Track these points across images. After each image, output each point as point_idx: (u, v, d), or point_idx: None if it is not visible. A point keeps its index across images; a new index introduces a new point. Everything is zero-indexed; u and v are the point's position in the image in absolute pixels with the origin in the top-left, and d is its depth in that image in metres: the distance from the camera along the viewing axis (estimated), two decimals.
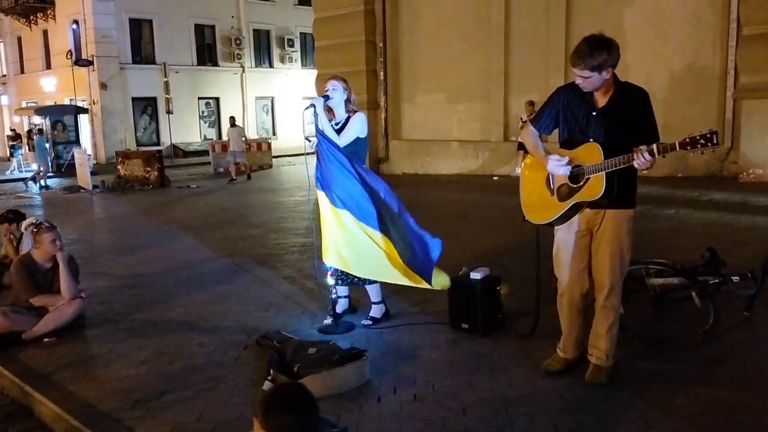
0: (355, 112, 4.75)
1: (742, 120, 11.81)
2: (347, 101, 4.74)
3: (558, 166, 3.45)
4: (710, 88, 12.52)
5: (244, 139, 18.57)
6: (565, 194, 3.51)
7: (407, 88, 17.09)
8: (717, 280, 4.36)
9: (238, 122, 20.04)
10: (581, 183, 3.40)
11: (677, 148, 3.09)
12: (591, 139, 3.38)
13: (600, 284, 3.55)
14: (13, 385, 4.18)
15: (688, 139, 3.06)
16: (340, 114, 4.76)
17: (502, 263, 5.59)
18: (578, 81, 3.37)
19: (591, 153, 3.35)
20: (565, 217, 3.55)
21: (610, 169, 3.27)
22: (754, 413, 3.24)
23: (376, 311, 4.87)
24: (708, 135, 3.03)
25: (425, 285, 4.52)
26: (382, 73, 17.03)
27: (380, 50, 16.98)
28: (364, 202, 4.46)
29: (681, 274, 4.37)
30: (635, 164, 3.18)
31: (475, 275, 4.56)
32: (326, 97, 4.70)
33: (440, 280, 4.64)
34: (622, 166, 3.24)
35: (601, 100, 3.41)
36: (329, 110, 4.77)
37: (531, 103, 13.78)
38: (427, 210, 10.50)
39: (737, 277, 4.39)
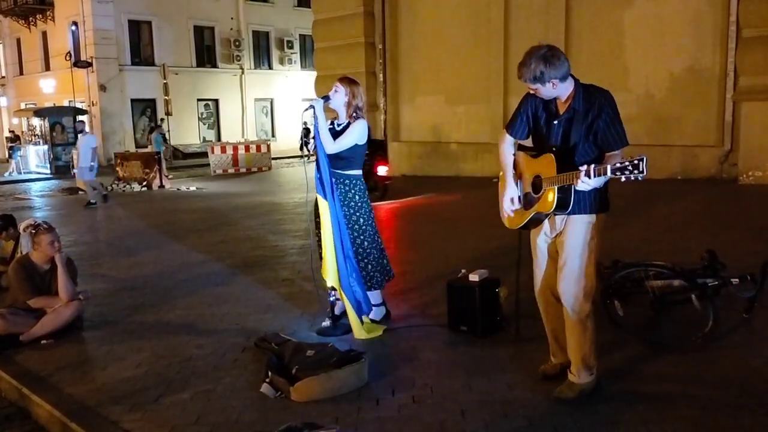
0: (357, 118, 4.68)
1: (742, 122, 11.82)
2: (348, 105, 4.69)
3: (507, 205, 3.52)
4: (710, 90, 12.52)
5: (94, 149, 13.40)
6: (527, 204, 3.47)
7: (407, 90, 17.09)
8: (716, 283, 4.35)
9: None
10: (539, 195, 3.35)
11: (608, 173, 2.94)
12: (553, 147, 3.32)
13: (560, 292, 3.41)
14: (10, 387, 4.17)
15: (618, 164, 2.91)
16: (342, 117, 4.75)
17: (501, 265, 5.57)
18: (531, 91, 3.36)
19: (546, 165, 3.29)
20: (531, 225, 3.50)
21: (561, 185, 3.19)
22: (755, 415, 3.24)
23: (375, 314, 4.85)
24: (635, 162, 2.86)
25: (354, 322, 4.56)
26: (381, 75, 17.03)
27: (380, 52, 16.99)
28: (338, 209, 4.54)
29: (680, 276, 4.36)
30: (579, 188, 3.09)
31: (474, 277, 4.55)
32: (326, 98, 4.69)
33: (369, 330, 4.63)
34: (569, 184, 3.15)
35: (561, 108, 3.36)
36: (332, 111, 4.76)
37: None
38: (427, 212, 10.51)
39: (737, 280, 4.39)
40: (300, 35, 32.58)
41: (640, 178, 2.88)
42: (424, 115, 16.80)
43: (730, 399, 3.41)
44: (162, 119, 26.59)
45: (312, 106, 4.56)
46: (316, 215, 4.77)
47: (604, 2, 13.60)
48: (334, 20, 17.11)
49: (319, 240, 4.75)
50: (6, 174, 22.95)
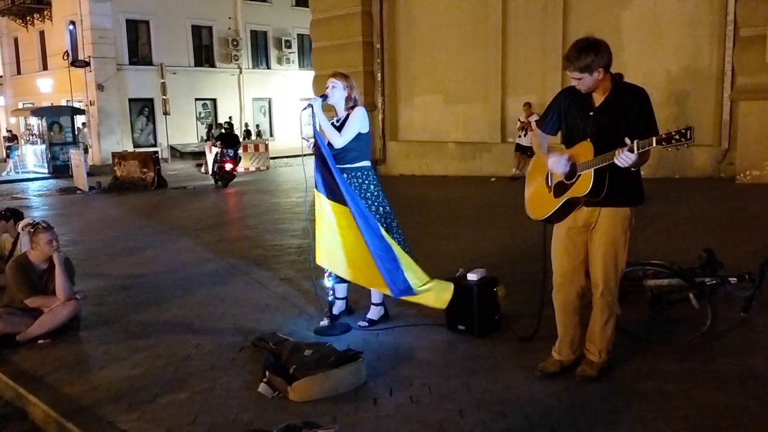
0: (354, 107, 4.67)
1: (739, 121, 11.83)
2: (347, 98, 4.69)
3: (557, 163, 3.53)
4: (707, 89, 12.54)
5: None
6: (559, 191, 3.60)
7: (405, 90, 17.09)
8: (714, 282, 4.35)
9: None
10: (573, 180, 3.49)
11: (654, 144, 3.13)
12: (588, 138, 3.46)
13: (594, 282, 3.64)
14: (7, 387, 4.15)
15: (664, 135, 3.10)
16: (341, 111, 4.74)
17: (499, 264, 5.58)
18: (573, 82, 3.49)
19: (584, 151, 3.45)
20: (559, 214, 3.62)
21: (598, 166, 3.33)
22: (753, 415, 3.24)
23: (373, 313, 4.84)
24: (683, 131, 3.05)
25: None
26: (379, 75, 17.03)
27: (377, 51, 16.98)
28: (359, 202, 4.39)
29: (678, 275, 4.36)
30: (617, 162, 3.23)
31: (472, 276, 4.54)
32: (324, 97, 4.68)
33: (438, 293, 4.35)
34: (608, 163, 3.30)
35: (598, 100, 3.50)
36: (330, 109, 4.75)
37: (528, 105, 13.79)
38: (424, 211, 10.50)
39: (734, 279, 4.38)
40: (298, 35, 32.56)
41: (687, 146, 3.09)
42: (422, 114, 16.80)
43: (729, 398, 3.41)
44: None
45: (310, 105, 4.54)
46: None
47: (601, 2, 13.61)
48: (332, 20, 17.11)
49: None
50: (4, 173, 22.91)
